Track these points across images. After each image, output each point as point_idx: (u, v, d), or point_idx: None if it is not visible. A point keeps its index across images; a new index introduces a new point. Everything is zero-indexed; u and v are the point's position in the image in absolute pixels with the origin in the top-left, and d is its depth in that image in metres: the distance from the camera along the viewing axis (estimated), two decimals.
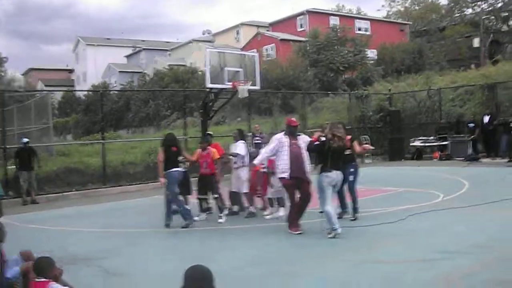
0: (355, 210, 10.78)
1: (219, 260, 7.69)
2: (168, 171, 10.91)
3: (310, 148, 9.59)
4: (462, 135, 23.95)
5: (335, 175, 9.13)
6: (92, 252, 8.87)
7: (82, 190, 18.25)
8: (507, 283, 6.36)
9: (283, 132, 10.05)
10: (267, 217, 11.51)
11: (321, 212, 10.45)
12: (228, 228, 10.77)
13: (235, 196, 12.16)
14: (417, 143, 25.66)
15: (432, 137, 25.27)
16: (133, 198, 16.38)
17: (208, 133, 13.28)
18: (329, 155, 9.06)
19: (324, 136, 9.35)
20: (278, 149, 9.74)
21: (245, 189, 11.92)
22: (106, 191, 18.29)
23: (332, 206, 9.25)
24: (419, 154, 25.48)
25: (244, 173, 11.86)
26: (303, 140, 9.90)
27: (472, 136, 23.32)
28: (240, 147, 11.91)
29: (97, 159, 20.18)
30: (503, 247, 7.96)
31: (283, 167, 9.63)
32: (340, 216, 10.58)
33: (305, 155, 9.81)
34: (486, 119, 23.00)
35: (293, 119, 10.63)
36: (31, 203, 16.41)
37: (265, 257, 8.20)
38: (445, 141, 24.48)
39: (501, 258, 7.35)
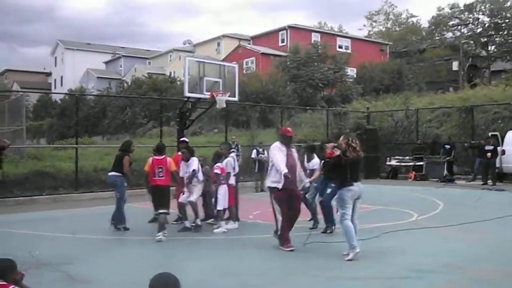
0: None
1: (186, 271, 7.49)
2: None
3: (329, 164, 9.17)
4: (438, 156, 24.08)
5: (357, 188, 8.68)
6: (58, 257, 8.59)
7: (53, 195, 17.87)
8: None
9: (278, 142, 9.54)
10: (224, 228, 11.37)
11: (311, 228, 10.33)
12: (198, 239, 10.57)
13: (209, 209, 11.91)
14: (393, 162, 25.77)
15: (408, 157, 25.39)
16: (104, 205, 16.03)
17: (183, 139, 12.98)
18: (347, 168, 8.63)
19: (338, 148, 9.03)
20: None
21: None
22: (78, 197, 17.96)
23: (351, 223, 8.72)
24: (394, 173, 25.57)
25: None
26: (295, 153, 9.61)
27: (448, 158, 23.46)
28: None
29: (70, 164, 19.81)
30: (475, 267, 7.88)
31: (277, 177, 9.13)
32: (324, 231, 10.67)
33: (298, 167, 9.58)
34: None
35: (289, 128, 10.07)
36: None
37: (233, 269, 8.04)
38: (421, 161, 24.59)
39: (473, 278, 7.28)
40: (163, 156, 10.62)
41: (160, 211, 10.33)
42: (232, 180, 11.88)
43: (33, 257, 8.54)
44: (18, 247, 9.13)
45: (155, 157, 10.62)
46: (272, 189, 9.34)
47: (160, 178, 10.41)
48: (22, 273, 5.11)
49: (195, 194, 11.46)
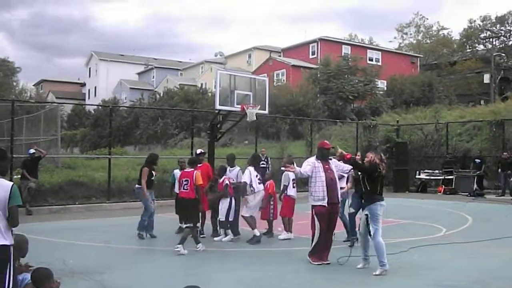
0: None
1: (217, 282, 7.67)
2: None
3: (362, 167, 8.96)
4: (468, 170, 23.92)
5: (385, 203, 8.75)
6: (91, 266, 8.85)
7: (86, 204, 18.26)
8: None
9: (314, 157, 9.61)
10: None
11: (349, 243, 10.52)
12: (230, 251, 10.75)
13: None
14: (423, 176, 25.65)
15: (437, 171, 25.26)
16: (136, 215, 16.25)
17: (201, 152, 13.01)
18: (379, 181, 8.65)
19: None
20: (311, 174, 9.30)
21: (245, 213, 11.58)
22: (110, 206, 18.30)
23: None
24: (423, 187, 25.45)
25: (251, 199, 11.52)
26: (335, 164, 9.65)
27: (478, 172, 23.27)
28: (246, 175, 11.59)
29: (103, 174, 20.20)
30: (502, 284, 7.91)
31: (320, 194, 9.15)
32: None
33: (337, 179, 9.56)
34: None
35: (326, 142, 10.00)
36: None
37: (261, 281, 8.19)
38: (451, 175, 24.44)
39: None
40: (192, 169, 10.62)
41: (185, 225, 10.39)
42: (291, 192, 12.04)
43: (67, 265, 8.82)
44: (53, 256, 9.39)
45: (185, 170, 10.86)
46: (315, 206, 9.30)
47: (184, 190, 10.46)
48: (58, 281, 5.37)
49: (252, 209, 11.65)
